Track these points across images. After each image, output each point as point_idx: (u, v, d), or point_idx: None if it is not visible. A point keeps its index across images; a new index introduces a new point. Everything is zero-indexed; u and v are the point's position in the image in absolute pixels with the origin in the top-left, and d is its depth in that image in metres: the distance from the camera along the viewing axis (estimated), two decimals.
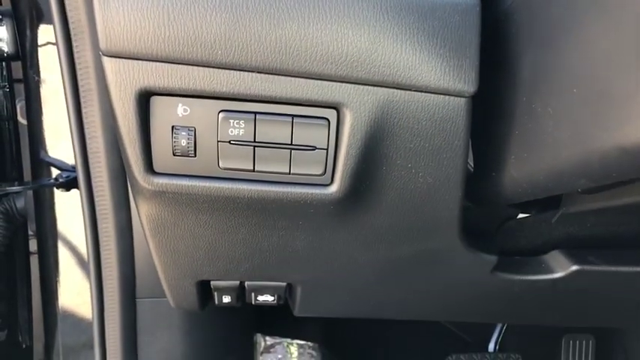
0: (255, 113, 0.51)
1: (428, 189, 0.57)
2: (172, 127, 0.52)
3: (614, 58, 0.37)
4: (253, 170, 0.54)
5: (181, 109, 0.51)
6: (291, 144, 0.52)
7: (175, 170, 0.54)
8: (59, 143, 0.90)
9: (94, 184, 0.77)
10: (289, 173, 0.54)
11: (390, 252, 0.65)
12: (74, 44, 0.70)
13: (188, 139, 0.52)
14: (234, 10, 0.48)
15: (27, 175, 1.03)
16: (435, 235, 0.62)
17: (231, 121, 0.51)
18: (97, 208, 0.78)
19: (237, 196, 0.55)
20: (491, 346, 1.43)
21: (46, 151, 0.91)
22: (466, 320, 0.94)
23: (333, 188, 0.55)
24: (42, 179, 0.91)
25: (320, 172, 0.54)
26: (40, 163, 0.92)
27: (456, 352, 1.33)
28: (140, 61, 0.49)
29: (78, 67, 0.71)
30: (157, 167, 0.54)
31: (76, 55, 0.71)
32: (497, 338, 1.42)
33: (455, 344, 1.44)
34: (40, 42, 0.88)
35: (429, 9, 0.49)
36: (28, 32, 0.89)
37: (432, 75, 0.50)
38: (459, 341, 1.45)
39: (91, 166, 0.76)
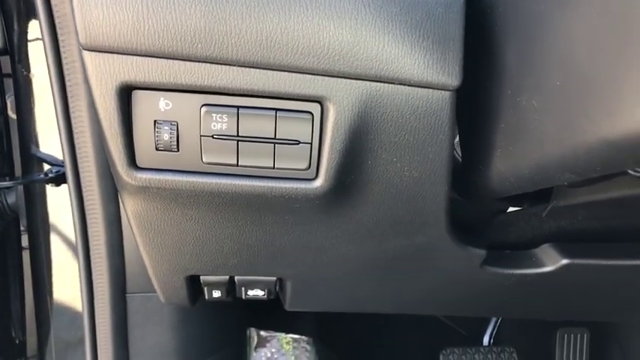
0: (238, 107, 0.51)
1: (414, 183, 0.56)
2: (155, 121, 0.51)
3: (597, 49, 0.36)
4: (237, 165, 0.53)
5: (163, 103, 0.51)
6: (275, 138, 0.52)
7: (158, 165, 0.54)
8: (50, 138, 0.90)
9: (82, 179, 0.76)
10: (273, 168, 0.53)
11: (378, 246, 0.64)
12: (60, 38, 0.69)
13: (171, 133, 0.51)
14: (214, 2, 0.47)
15: (18, 170, 1.02)
16: (423, 229, 0.62)
17: (214, 115, 0.51)
18: (86, 203, 0.78)
19: (222, 191, 0.55)
20: (485, 340, 1.43)
21: (36, 146, 0.91)
22: (457, 314, 0.93)
23: (318, 182, 0.54)
24: (32, 174, 0.91)
25: (304, 166, 0.53)
26: (31, 158, 0.92)
27: (451, 346, 1.33)
28: (120, 55, 0.48)
29: (64, 61, 0.71)
30: (139, 162, 0.53)
31: (62, 50, 0.70)
32: (492, 332, 1.42)
33: (449, 338, 1.44)
34: (30, 37, 0.87)
35: (412, 1, 0.48)
36: (16, 26, 0.88)
37: (414, 68, 0.49)
38: (454, 335, 1.45)
39: (79, 161, 0.75)
